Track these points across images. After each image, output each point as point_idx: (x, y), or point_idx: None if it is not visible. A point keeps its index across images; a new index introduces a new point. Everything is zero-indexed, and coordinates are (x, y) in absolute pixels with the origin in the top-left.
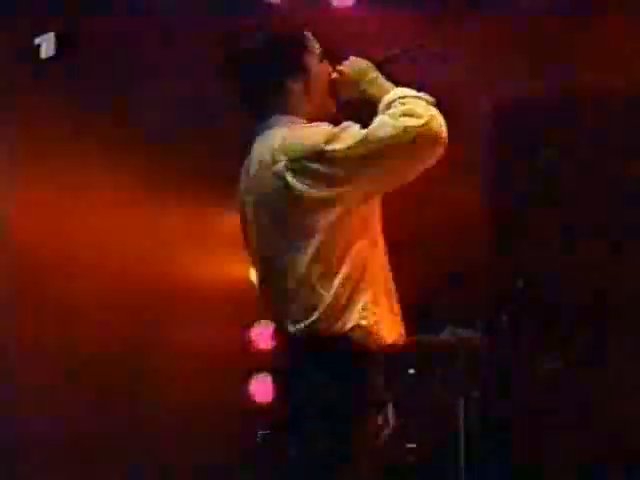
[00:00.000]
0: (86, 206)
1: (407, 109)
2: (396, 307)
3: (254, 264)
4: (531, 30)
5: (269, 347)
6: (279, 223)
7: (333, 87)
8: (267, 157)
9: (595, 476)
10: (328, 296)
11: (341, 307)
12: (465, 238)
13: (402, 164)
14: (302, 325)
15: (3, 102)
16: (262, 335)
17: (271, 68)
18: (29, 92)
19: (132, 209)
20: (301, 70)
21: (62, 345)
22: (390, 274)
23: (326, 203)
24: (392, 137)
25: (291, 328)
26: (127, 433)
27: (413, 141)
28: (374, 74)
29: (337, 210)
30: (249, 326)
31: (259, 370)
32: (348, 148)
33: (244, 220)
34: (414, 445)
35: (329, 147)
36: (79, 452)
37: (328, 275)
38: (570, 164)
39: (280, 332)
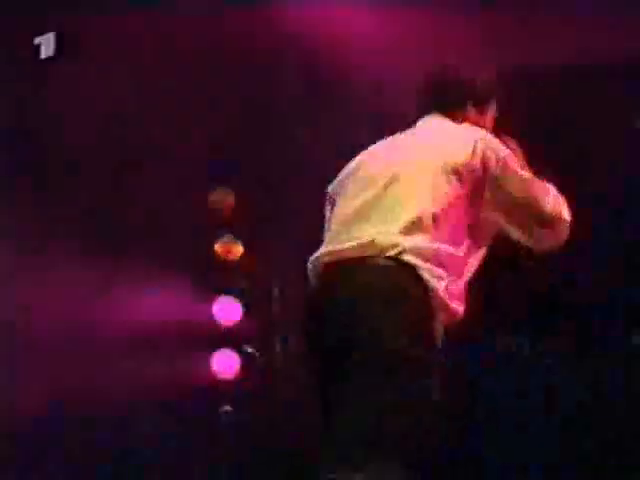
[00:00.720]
0: None
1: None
2: None
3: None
4: None
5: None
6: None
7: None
8: (453, 129)
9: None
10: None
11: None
12: None
13: (533, 228)
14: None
15: (3, 102)
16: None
17: (481, 91)
18: (29, 92)
19: None
20: (487, 105)
21: None
22: None
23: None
24: (550, 208)
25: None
26: None
27: (558, 225)
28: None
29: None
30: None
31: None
32: (521, 178)
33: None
34: None
35: (513, 165)
36: None
37: (457, 231)
38: None
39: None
